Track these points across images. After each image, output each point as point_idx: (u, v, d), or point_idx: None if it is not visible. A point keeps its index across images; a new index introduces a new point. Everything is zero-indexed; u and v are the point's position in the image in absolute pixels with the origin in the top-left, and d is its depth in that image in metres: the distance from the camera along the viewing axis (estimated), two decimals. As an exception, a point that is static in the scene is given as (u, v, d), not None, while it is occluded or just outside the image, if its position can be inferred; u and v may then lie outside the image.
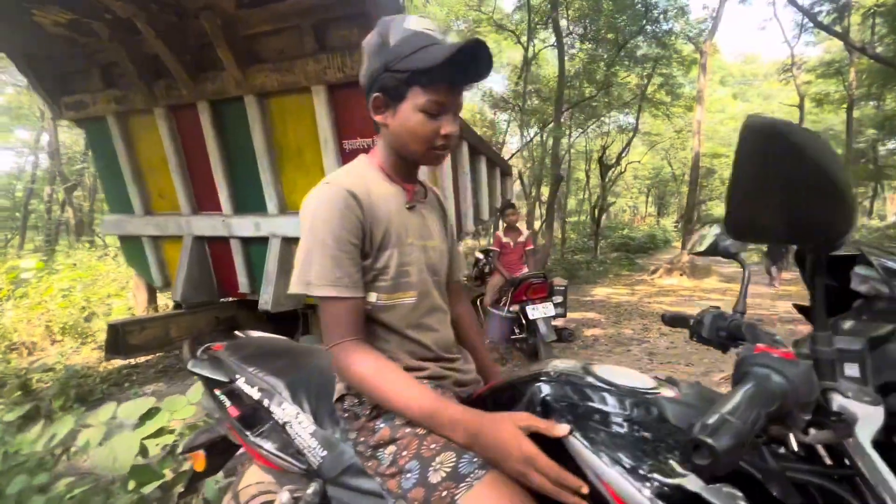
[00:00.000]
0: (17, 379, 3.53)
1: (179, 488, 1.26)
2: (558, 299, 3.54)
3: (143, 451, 1.55)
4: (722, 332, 0.78)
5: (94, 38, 3.24)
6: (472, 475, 0.68)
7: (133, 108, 3.68)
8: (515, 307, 3.43)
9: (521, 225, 4.15)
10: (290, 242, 3.61)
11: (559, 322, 3.69)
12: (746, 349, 0.56)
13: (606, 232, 21.06)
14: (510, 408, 0.75)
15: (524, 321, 3.35)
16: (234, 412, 1.03)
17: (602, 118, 15.68)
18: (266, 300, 3.54)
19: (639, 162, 24.60)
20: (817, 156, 0.44)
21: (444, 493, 0.67)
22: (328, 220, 0.79)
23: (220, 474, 1.36)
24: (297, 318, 3.99)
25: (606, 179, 17.14)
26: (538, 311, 3.33)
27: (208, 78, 3.30)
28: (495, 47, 15.00)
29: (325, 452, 0.89)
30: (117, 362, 4.05)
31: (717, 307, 0.84)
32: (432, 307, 0.93)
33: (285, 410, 0.96)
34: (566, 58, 11.38)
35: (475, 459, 0.70)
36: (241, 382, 1.04)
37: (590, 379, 0.72)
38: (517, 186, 15.14)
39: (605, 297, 8.08)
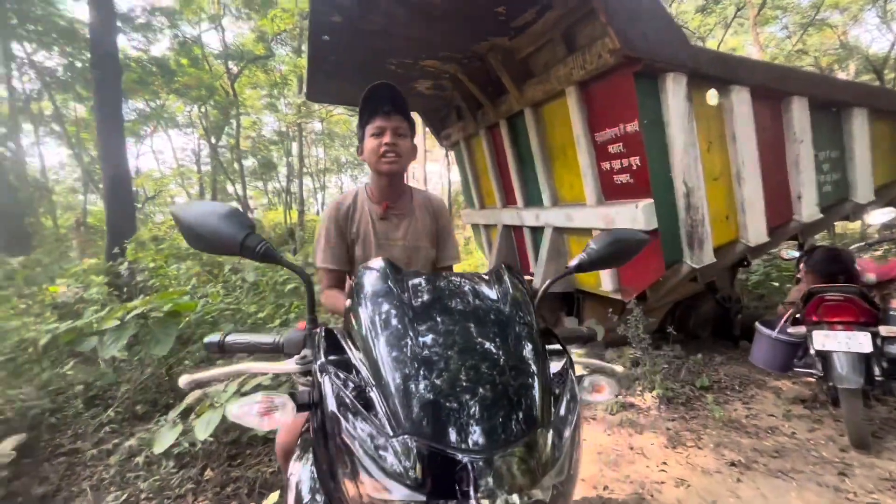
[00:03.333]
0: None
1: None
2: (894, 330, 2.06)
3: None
4: None
5: (447, 91, 4.81)
6: None
7: (469, 133, 5.13)
8: (800, 329, 2.31)
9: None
10: (560, 231, 4.05)
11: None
12: None
13: None
14: None
15: (812, 351, 2.22)
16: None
17: None
18: (536, 281, 4.18)
19: None
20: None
21: None
22: (324, 220, 1.38)
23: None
24: (573, 300, 4.38)
25: None
26: (836, 342, 2.10)
27: (502, 101, 4.19)
28: None
29: None
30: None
31: None
32: None
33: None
34: None
35: None
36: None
37: None
38: None
39: None
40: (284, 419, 0.67)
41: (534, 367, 0.63)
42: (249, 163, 18.60)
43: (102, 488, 1.90)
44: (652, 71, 2.84)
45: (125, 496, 1.81)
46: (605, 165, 3.30)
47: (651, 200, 2.95)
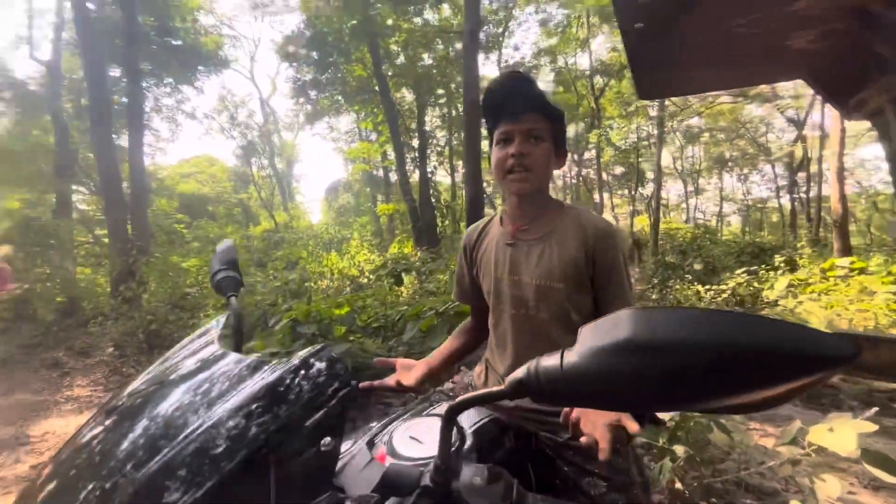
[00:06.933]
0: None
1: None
2: None
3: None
4: None
5: (848, 39, 3.14)
6: None
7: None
8: None
9: None
10: None
11: None
12: None
13: None
14: None
15: None
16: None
17: None
18: None
19: None
20: None
21: None
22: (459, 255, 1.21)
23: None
24: None
25: None
26: None
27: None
28: None
29: None
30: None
31: None
32: (503, 336, 1.01)
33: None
34: None
35: None
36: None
37: None
38: None
39: None
40: None
41: None
42: (619, 172, 19.01)
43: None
44: None
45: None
46: None
47: None
